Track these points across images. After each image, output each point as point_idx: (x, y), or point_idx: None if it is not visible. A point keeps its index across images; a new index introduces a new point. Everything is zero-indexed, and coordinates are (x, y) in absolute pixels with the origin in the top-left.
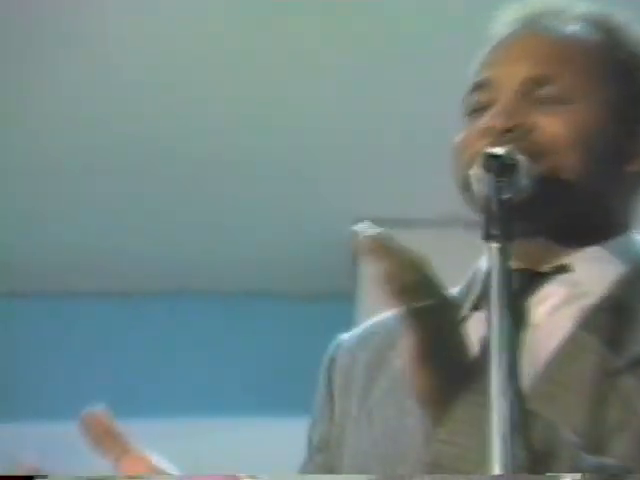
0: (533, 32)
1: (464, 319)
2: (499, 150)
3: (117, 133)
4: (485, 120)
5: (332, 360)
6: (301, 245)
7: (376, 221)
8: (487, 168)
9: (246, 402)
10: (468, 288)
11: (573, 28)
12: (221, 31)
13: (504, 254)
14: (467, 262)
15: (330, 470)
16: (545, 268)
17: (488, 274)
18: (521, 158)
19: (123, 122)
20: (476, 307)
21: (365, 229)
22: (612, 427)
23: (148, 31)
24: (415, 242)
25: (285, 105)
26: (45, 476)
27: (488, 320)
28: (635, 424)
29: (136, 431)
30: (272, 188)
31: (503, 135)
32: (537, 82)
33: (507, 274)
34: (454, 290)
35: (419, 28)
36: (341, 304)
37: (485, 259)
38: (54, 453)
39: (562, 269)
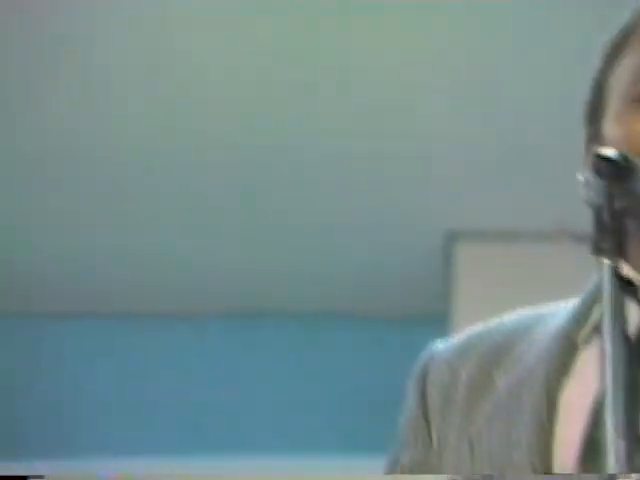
0: None
1: (580, 348)
2: (612, 152)
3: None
4: None
5: (425, 372)
6: (390, 262)
7: (472, 235)
8: (598, 172)
9: (324, 439)
10: (585, 308)
11: None
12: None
13: (617, 272)
14: (575, 278)
15: None
16: None
17: (599, 294)
18: (638, 161)
19: (198, 146)
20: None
21: None
22: None
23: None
24: (517, 256)
25: (378, 120)
26: (42, 476)
27: (601, 351)
28: None
29: (201, 472)
30: (359, 203)
31: None
32: None
33: (620, 295)
34: (568, 309)
35: (516, 44)
36: (432, 327)
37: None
38: None
39: None
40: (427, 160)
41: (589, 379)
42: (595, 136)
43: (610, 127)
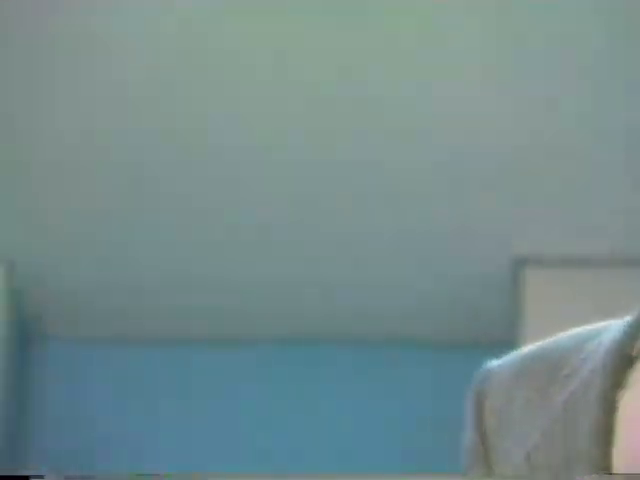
0: None
1: (632, 363)
2: None
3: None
4: None
5: (481, 396)
6: (454, 289)
7: (537, 261)
8: None
9: (390, 463)
10: (639, 321)
11: None
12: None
13: None
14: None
15: None
16: None
17: None
18: None
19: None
20: None
21: None
22: None
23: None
24: (585, 282)
25: (443, 149)
26: (42, 476)
27: None
28: None
29: None
30: (428, 231)
31: None
32: None
33: None
34: (622, 323)
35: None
36: (501, 353)
37: None
38: None
39: None
40: (496, 190)
41: None
42: None
43: None
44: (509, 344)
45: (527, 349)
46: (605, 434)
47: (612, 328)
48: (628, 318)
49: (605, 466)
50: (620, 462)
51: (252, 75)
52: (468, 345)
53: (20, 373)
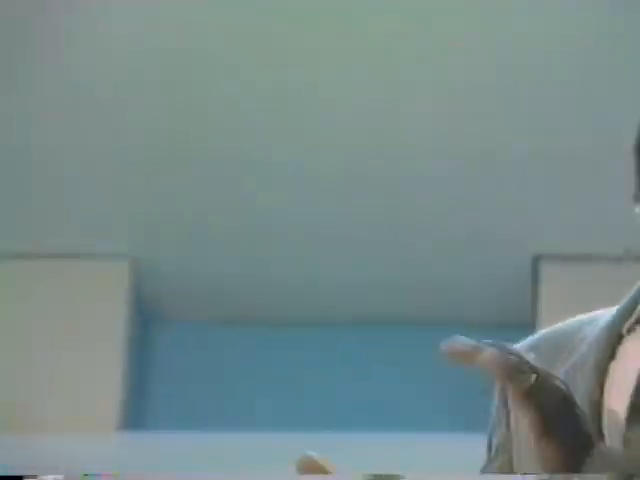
0: None
1: (621, 338)
2: None
3: None
4: None
5: None
6: (483, 276)
7: (555, 257)
8: None
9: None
10: (631, 303)
11: None
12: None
13: None
14: None
15: (509, 471)
16: None
17: None
18: None
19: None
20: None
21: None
22: None
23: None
24: (601, 279)
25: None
26: (35, 476)
27: None
28: None
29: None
30: (459, 235)
31: None
32: None
33: None
34: (617, 307)
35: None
36: (523, 332)
37: None
38: None
39: None
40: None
41: (633, 361)
42: None
43: None
44: (530, 327)
45: (541, 331)
46: (597, 397)
47: (607, 313)
48: (622, 301)
49: (597, 425)
50: (608, 418)
51: None
52: (496, 326)
53: (141, 352)
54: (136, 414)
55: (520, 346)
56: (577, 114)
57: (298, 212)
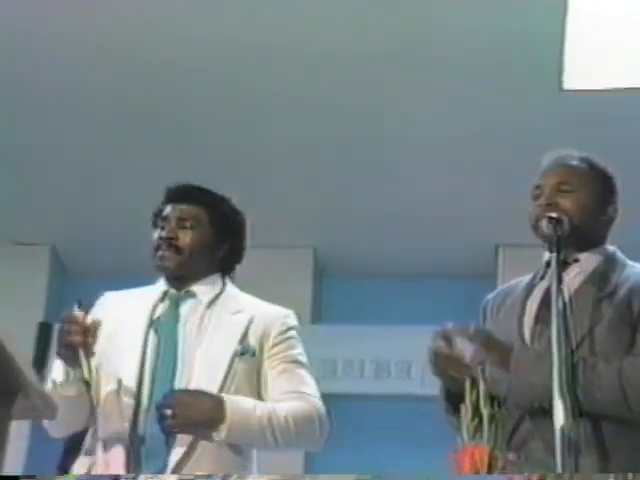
0: (559, 164)
1: (534, 286)
2: (554, 214)
3: None
4: (540, 201)
5: (484, 307)
6: (452, 251)
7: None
8: (550, 221)
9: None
10: (539, 270)
11: (576, 163)
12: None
13: (558, 259)
14: None
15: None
16: (570, 260)
17: (548, 263)
18: (563, 216)
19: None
20: (542, 277)
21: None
22: (598, 323)
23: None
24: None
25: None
26: (33, 476)
27: (551, 286)
28: (606, 319)
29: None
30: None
31: (547, 207)
32: (561, 184)
33: (559, 265)
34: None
35: None
36: (487, 284)
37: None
38: None
39: (577, 260)
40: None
41: (538, 291)
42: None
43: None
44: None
45: (507, 284)
46: (520, 315)
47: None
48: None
49: (521, 335)
50: (525, 330)
51: None
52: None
53: None
54: None
55: (493, 295)
56: None
57: None
